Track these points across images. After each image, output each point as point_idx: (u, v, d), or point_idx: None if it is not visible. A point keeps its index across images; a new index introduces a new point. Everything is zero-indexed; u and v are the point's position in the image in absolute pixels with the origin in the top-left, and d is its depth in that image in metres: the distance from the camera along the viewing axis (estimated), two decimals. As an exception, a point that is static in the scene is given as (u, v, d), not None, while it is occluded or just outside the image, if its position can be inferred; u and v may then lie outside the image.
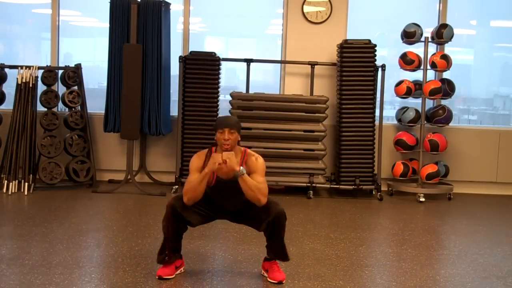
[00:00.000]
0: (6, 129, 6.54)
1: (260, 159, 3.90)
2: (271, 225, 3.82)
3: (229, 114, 6.41)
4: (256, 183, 3.76)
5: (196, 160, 3.89)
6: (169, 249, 3.92)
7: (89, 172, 6.74)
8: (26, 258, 4.20)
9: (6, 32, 7.94)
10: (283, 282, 3.90)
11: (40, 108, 6.64)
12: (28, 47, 8.07)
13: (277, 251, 3.94)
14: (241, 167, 3.75)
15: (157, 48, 6.61)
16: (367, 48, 6.75)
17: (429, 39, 6.80)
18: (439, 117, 6.81)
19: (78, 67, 6.81)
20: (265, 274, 4.00)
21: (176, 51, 7.13)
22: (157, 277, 3.88)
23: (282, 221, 3.85)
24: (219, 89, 6.80)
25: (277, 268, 3.97)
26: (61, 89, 6.91)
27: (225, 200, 3.93)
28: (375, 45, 6.75)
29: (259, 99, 6.74)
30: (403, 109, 6.96)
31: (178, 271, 3.99)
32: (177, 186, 6.66)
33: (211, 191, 3.90)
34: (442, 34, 6.72)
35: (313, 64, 6.95)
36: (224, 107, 6.92)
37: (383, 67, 6.71)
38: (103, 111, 6.78)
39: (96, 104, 7.05)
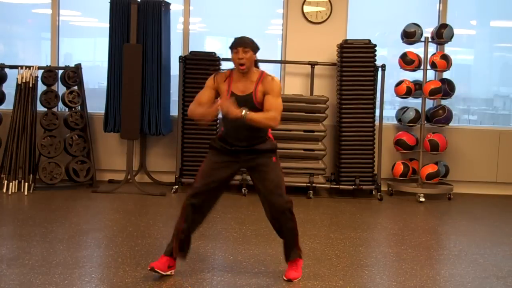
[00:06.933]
0: (6, 129, 6.53)
1: (276, 79, 3.85)
2: (270, 214, 3.92)
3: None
4: (264, 115, 3.71)
5: (212, 79, 3.85)
6: (178, 241, 3.92)
7: (89, 172, 6.74)
8: (26, 258, 4.20)
9: (6, 32, 7.94)
10: (292, 280, 3.92)
11: (40, 108, 6.64)
12: (28, 47, 8.07)
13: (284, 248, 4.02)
14: (243, 111, 3.64)
15: (157, 48, 6.61)
16: (367, 48, 6.74)
17: (429, 39, 6.79)
18: (439, 117, 6.80)
19: (78, 67, 6.81)
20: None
21: (176, 51, 7.13)
22: (149, 268, 3.88)
23: (284, 216, 3.89)
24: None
25: (291, 265, 4.00)
26: (61, 89, 6.91)
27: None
28: (375, 45, 6.75)
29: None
30: (403, 109, 6.96)
31: (169, 272, 3.93)
32: (177, 186, 6.65)
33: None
34: (442, 34, 6.72)
35: (313, 64, 6.95)
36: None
37: (383, 67, 6.71)
38: (103, 111, 6.77)
39: (96, 104, 7.04)
